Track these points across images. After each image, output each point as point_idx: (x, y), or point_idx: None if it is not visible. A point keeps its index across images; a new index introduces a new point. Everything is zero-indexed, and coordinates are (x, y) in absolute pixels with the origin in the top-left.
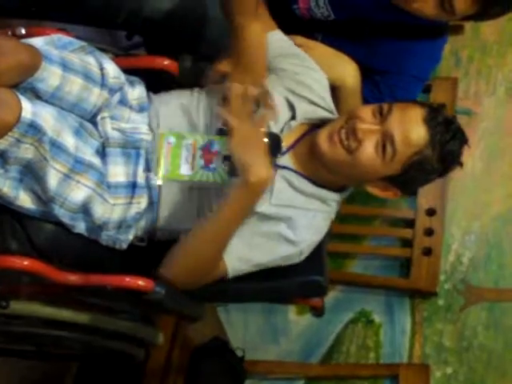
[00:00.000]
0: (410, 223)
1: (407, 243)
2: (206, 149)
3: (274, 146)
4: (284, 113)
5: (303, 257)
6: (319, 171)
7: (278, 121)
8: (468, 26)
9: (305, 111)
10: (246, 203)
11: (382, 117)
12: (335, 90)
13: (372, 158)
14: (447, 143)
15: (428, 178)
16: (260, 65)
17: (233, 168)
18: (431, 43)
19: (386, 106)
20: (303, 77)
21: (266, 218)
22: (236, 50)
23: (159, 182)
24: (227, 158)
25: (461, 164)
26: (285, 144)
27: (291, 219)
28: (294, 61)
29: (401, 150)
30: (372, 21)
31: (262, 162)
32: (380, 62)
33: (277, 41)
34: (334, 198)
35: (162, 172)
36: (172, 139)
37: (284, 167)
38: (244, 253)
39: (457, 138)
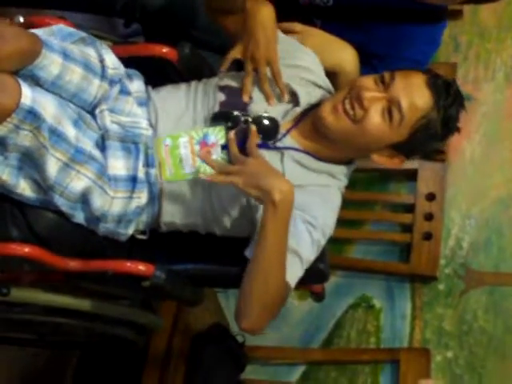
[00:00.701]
0: (409, 208)
1: (407, 228)
2: (203, 142)
3: (271, 129)
4: (286, 103)
5: (328, 233)
6: (324, 146)
7: (278, 110)
8: (467, 10)
9: (306, 93)
10: (284, 220)
11: (385, 84)
12: (334, 76)
13: (379, 125)
14: (450, 107)
15: (431, 143)
16: (273, 42)
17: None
18: (431, 27)
19: (387, 75)
20: (300, 61)
21: None
22: (249, 30)
23: (165, 184)
24: (225, 147)
25: (459, 130)
26: (284, 127)
27: (306, 202)
28: (287, 47)
29: (408, 115)
30: (372, 5)
31: (274, 178)
32: (380, 46)
33: None
34: (342, 171)
35: (166, 175)
36: (168, 141)
37: (289, 148)
38: (290, 258)
39: (457, 101)
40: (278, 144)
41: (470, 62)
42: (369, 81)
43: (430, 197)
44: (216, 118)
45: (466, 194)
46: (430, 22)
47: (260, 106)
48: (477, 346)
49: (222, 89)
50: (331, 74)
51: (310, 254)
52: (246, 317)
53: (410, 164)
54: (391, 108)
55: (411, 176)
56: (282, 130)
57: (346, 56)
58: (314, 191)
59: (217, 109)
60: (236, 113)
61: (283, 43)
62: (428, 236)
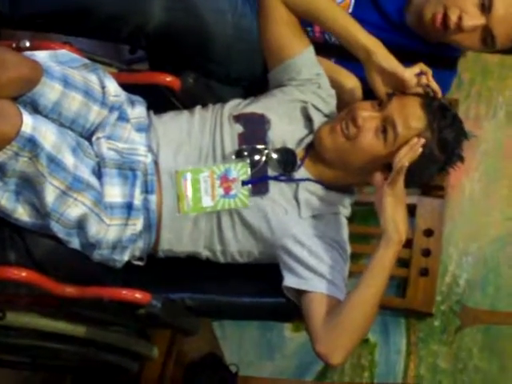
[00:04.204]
0: (407, 243)
1: (404, 263)
2: (224, 177)
3: (290, 161)
4: (302, 128)
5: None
6: (329, 172)
7: (295, 136)
8: None
9: (319, 121)
10: (395, 257)
11: (381, 106)
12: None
13: (372, 142)
14: (445, 129)
15: (429, 166)
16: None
17: (255, 190)
18: (444, 73)
19: (385, 97)
20: (323, 92)
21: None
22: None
23: (165, 212)
24: (245, 183)
25: (461, 158)
26: (299, 155)
27: (332, 232)
28: (318, 77)
29: (402, 133)
30: (390, 46)
31: (405, 216)
32: None
33: (313, 57)
34: (348, 200)
35: (184, 208)
36: (188, 175)
37: (304, 179)
38: (340, 278)
39: (455, 124)
40: (294, 175)
41: (472, 99)
42: (366, 103)
43: (428, 233)
44: (239, 154)
45: (464, 231)
46: (442, 68)
47: (277, 132)
48: None
49: (237, 119)
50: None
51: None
52: (341, 350)
53: (409, 199)
54: (386, 127)
55: (410, 211)
56: (298, 160)
57: (347, 86)
58: (331, 220)
59: (236, 141)
60: (259, 147)
61: (317, 70)
62: (425, 272)
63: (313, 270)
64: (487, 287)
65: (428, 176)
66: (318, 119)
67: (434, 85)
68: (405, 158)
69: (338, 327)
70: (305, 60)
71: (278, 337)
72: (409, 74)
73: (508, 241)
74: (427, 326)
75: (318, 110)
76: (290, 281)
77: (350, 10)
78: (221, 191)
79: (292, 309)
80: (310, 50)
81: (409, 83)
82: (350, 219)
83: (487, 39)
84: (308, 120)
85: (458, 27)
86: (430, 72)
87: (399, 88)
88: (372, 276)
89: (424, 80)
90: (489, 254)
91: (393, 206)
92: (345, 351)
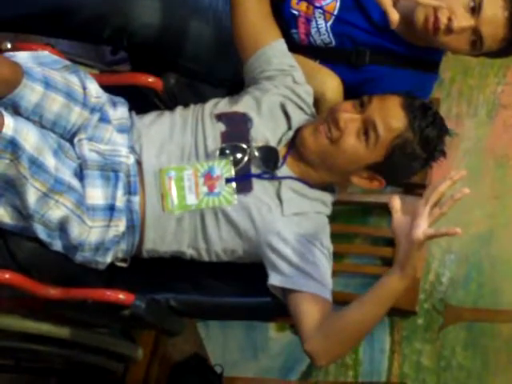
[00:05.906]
0: (390, 242)
1: (387, 262)
2: (208, 175)
3: (273, 159)
4: (281, 124)
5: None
6: (311, 171)
7: (276, 134)
8: None
9: (299, 121)
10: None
11: (363, 107)
12: (316, 102)
13: (355, 145)
14: (426, 127)
15: (412, 164)
16: None
17: (239, 188)
18: (426, 76)
19: (366, 98)
20: (299, 88)
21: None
22: None
23: (148, 212)
24: (229, 180)
25: (444, 154)
26: (281, 153)
27: (314, 230)
28: (291, 69)
29: (383, 135)
30: (375, 48)
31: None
32: (373, 88)
33: (284, 48)
34: (329, 199)
35: (169, 206)
36: (172, 173)
37: (286, 177)
38: (325, 277)
39: (436, 123)
40: (277, 173)
41: (453, 97)
42: (347, 104)
43: None
44: (222, 152)
45: None
46: (426, 71)
47: (260, 131)
48: (454, 381)
49: (219, 118)
50: (315, 101)
51: (330, 283)
52: (331, 356)
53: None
54: (367, 128)
55: None
56: (280, 158)
57: (328, 83)
58: (313, 218)
59: (218, 140)
60: (243, 145)
61: (291, 64)
62: None
63: (297, 267)
64: (470, 285)
65: (411, 173)
66: (295, 115)
67: None
68: (445, 206)
69: (333, 336)
70: (275, 51)
71: (262, 337)
72: None
73: (490, 238)
74: (411, 324)
75: (295, 105)
76: (275, 279)
77: (336, 13)
78: (205, 189)
79: (276, 308)
80: (280, 42)
81: None
82: (332, 218)
83: (476, 41)
84: (286, 116)
85: (448, 28)
86: None
87: None
88: (379, 302)
89: None
90: (471, 251)
91: (422, 245)
92: (333, 358)
